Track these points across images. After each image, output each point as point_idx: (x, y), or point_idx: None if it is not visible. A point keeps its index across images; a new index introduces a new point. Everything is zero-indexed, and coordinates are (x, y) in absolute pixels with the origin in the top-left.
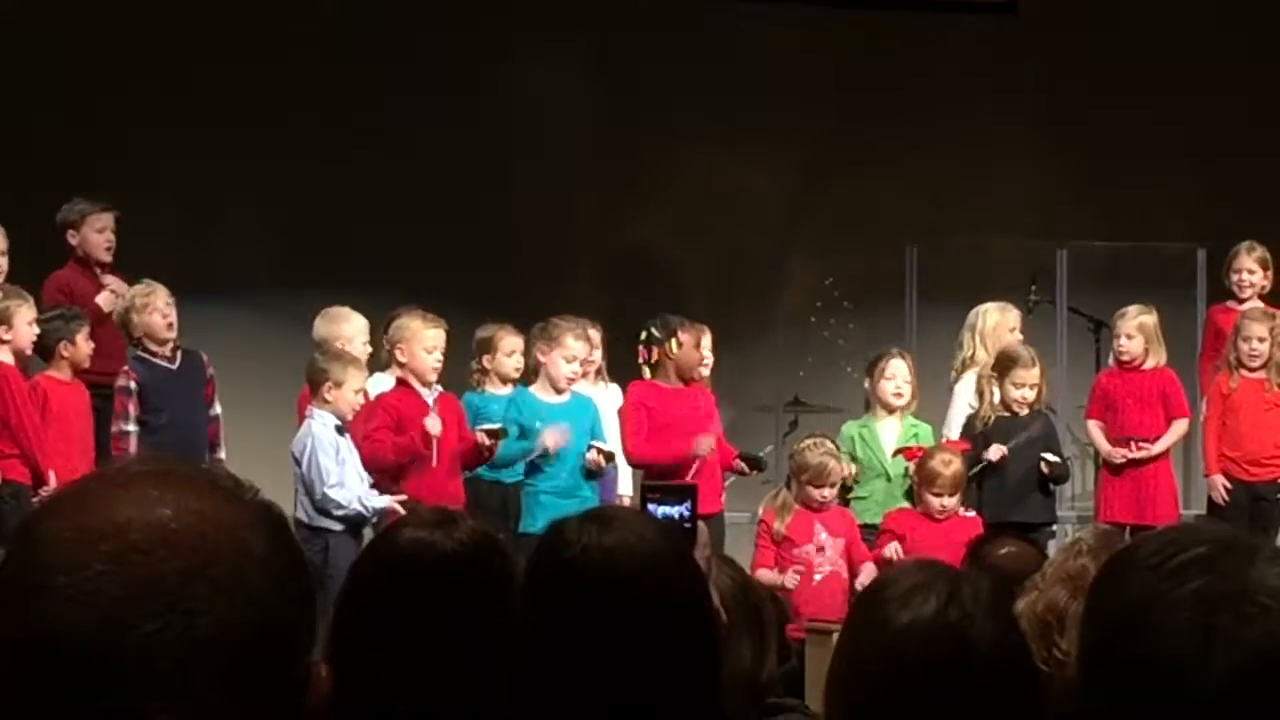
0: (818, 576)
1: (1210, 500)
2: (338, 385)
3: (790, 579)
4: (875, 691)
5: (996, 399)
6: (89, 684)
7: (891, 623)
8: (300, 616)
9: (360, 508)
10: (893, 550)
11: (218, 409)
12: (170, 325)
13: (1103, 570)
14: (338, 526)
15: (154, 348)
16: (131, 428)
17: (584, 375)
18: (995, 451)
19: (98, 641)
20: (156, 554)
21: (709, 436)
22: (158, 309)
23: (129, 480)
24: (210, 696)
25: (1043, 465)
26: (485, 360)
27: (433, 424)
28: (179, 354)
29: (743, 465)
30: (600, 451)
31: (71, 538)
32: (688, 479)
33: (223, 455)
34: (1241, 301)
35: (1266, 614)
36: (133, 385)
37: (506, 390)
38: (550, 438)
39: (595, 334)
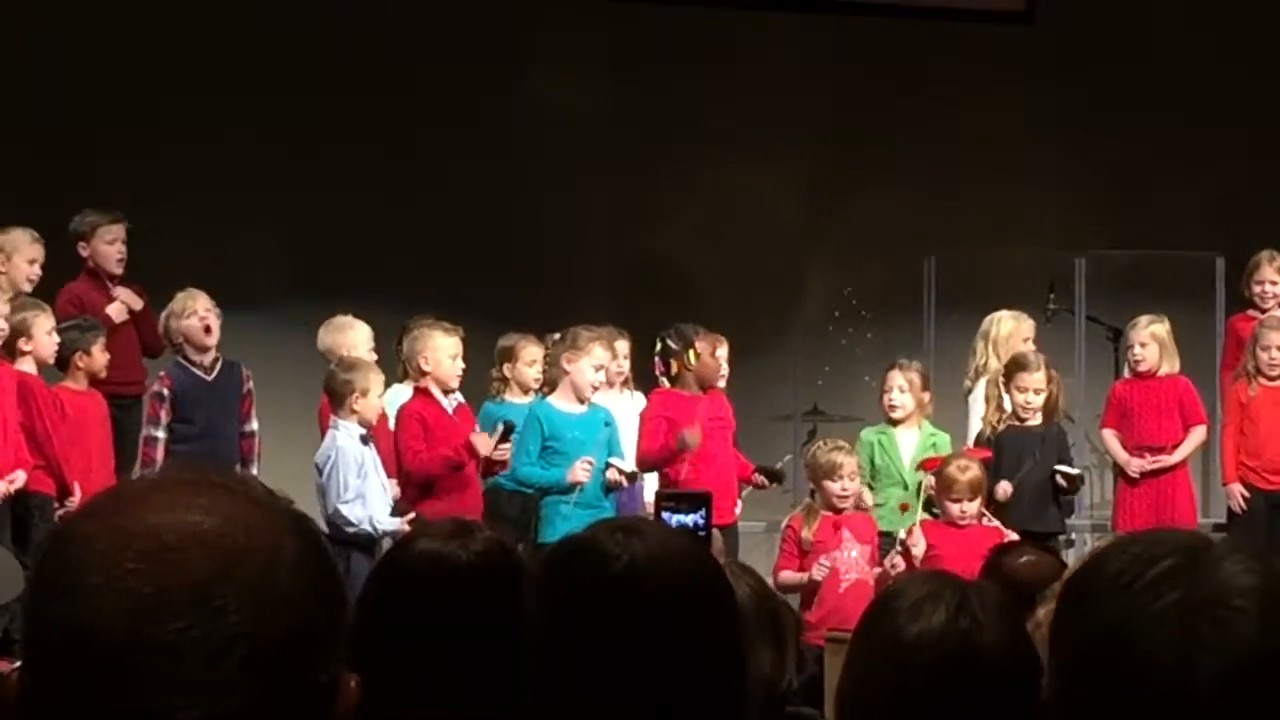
0: (844, 584)
1: (1229, 509)
2: (364, 393)
3: (817, 571)
4: (885, 702)
5: (1008, 407)
6: (120, 680)
7: (902, 633)
8: (330, 621)
9: (369, 528)
10: (892, 563)
11: (254, 425)
12: (209, 330)
13: (1068, 591)
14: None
15: (194, 356)
16: (161, 434)
17: (611, 385)
18: (1001, 491)
19: (128, 638)
20: (188, 553)
21: (696, 430)
22: (195, 312)
23: (164, 486)
24: (238, 695)
25: (1059, 479)
26: (506, 369)
27: (481, 442)
28: (218, 365)
29: (761, 479)
30: (621, 471)
31: (105, 538)
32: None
33: (254, 472)
34: (1263, 311)
35: (1243, 615)
36: (165, 392)
37: (526, 400)
38: (580, 471)
39: (623, 344)
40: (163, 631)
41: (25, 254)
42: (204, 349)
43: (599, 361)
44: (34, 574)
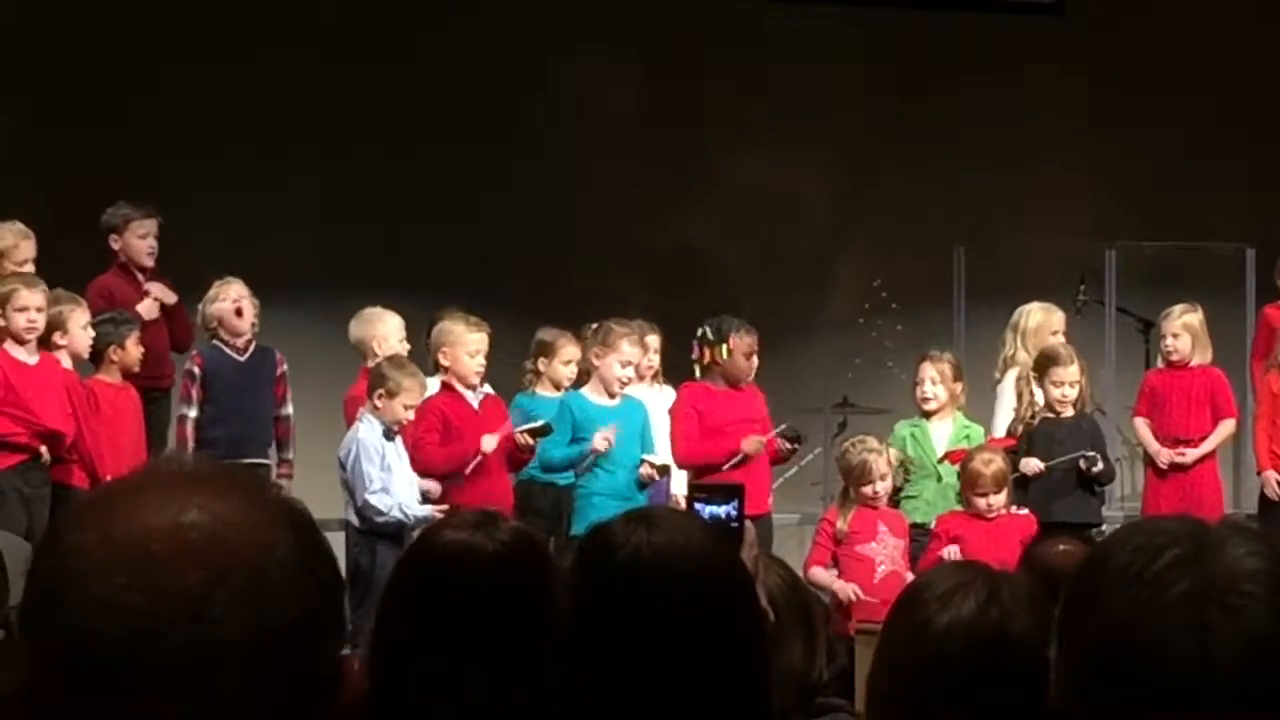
0: (878, 575)
1: (1261, 498)
2: (391, 395)
3: (850, 590)
4: (916, 691)
5: (1040, 401)
6: (120, 691)
7: (932, 623)
8: (327, 613)
9: (400, 515)
10: (950, 554)
11: (289, 409)
12: (240, 312)
13: (1076, 587)
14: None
15: (226, 337)
16: (192, 413)
17: (640, 379)
18: (1031, 467)
19: (126, 650)
20: (178, 564)
21: (759, 436)
22: (229, 296)
23: (150, 486)
24: (241, 699)
25: (1081, 462)
26: (540, 363)
27: (488, 443)
28: (251, 348)
29: (785, 445)
30: (653, 466)
31: (95, 549)
32: (727, 471)
33: (291, 456)
34: None
35: (1253, 600)
36: (196, 370)
37: (556, 395)
38: (599, 440)
39: (654, 339)
40: (160, 643)
41: (18, 250)
42: (237, 333)
43: (627, 358)
44: (29, 586)
